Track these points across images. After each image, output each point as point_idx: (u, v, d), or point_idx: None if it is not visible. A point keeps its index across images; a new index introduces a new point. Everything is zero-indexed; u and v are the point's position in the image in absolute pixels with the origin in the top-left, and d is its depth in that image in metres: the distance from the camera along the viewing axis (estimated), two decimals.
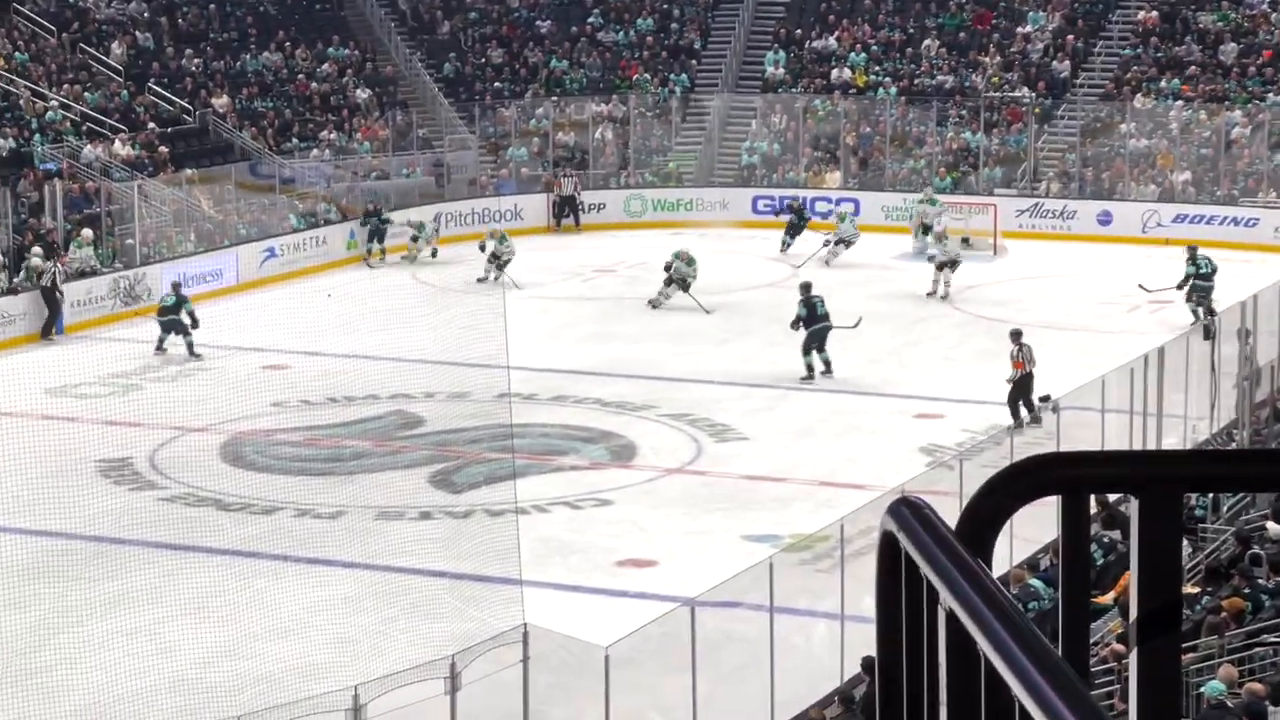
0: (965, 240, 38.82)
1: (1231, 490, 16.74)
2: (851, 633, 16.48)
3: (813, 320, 28.26)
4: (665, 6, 48.90)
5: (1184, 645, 13.77)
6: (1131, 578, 2.16)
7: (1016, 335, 26.02)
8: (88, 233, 34.16)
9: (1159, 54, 44.22)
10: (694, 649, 15.23)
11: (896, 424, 25.82)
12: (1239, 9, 44.63)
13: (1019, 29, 46.00)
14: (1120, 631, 15.38)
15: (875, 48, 46.61)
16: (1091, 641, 12.12)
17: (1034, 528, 15.89)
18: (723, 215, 42.47)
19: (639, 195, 43.46)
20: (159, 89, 41.59)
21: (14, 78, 39.54)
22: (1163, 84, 43.13)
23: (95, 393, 27.58)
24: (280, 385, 27.46)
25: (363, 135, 43.08)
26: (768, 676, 15.91)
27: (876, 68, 46.09)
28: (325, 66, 45.04)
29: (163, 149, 39.10)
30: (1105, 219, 40.40)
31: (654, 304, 33.44)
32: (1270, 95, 42.25)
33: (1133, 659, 2.16)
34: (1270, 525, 18.03)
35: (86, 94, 40.09)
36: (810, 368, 28.10)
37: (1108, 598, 16.65)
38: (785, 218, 39.66)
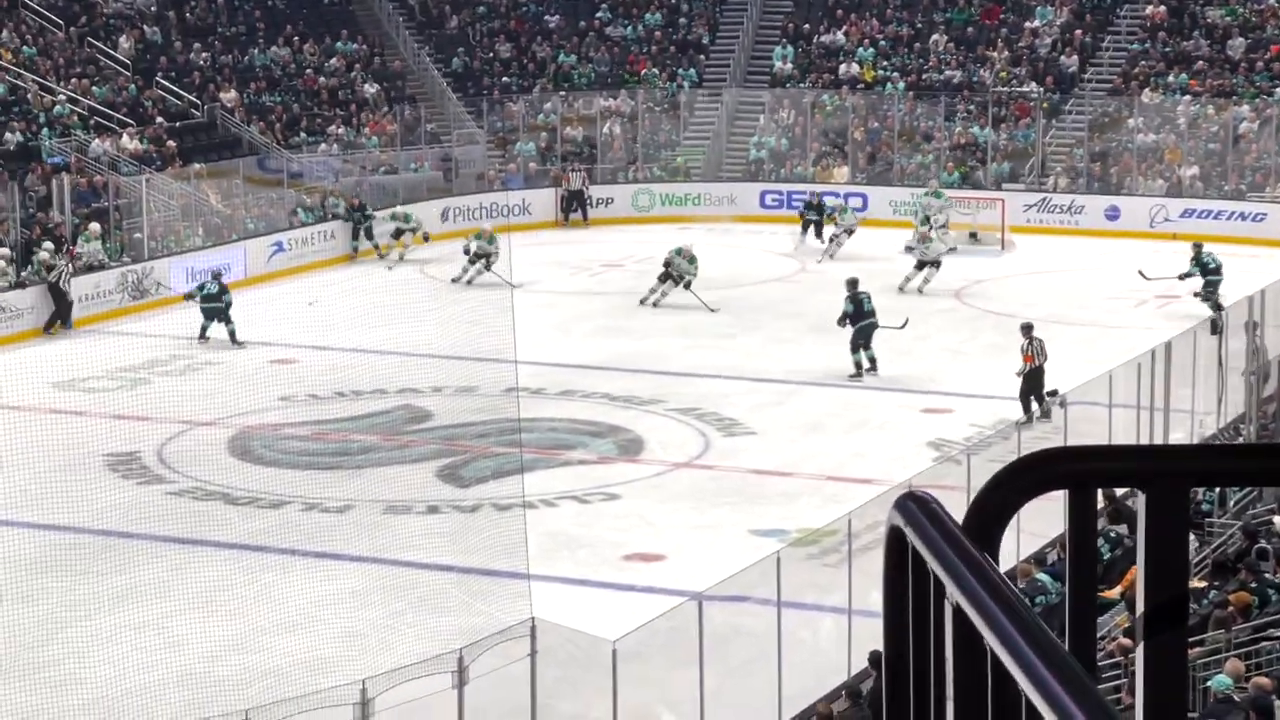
0: (973, 235, 38.86)
1: (1238, 485, 16.73)
2: (859, 627, 16.46)
3: (859, 317, 27.98)
4: (673, 1, 48.90)
5: (1190, 639, 13.77)
6: (1138, 572, 2.16)
7: (1028, 329, 25.85)
8: (95, 227, 34.15)
9: (1167, 49, 44.17)
10: (701, 643, 15.24)
11: (904, 418, 25.78)
12: (1247, 4, 44.57)
13: (1027, 24, 45.98)
14: (1127, 626, 15.36)
15: (883, 43, 46.60)
16: (1098, 636, 12.09)
17: (1041, 522, 15.87)
18: (730, 210, 42.47)
19: (647, 190, 43.45)
20: (167, 83, 41.60)
21: (22, 72, 39.56)
22: (1171, 79, 43.09)
23: (103, 387, 27.57)
24: (288, 379, 27.50)
25: (371, 130, 43.09)
26: (775, 671, 15.91)
27: (885, 63, 46.08)
28: (333, 61, 45.06)
29: (171, 143, 39.11)
30: (1113, 214, 40.35)
31: (651, 303, 32.93)
32: (1278, 90, 42.20)
33: (1139, 653, 2.16)
34: (1277, 519, 18.01)
35: (94, 88, 40.09)
36: (859, 365, 27.81)
37: (1114, 592, 16.63)
38: (805, 214, 39.34)
